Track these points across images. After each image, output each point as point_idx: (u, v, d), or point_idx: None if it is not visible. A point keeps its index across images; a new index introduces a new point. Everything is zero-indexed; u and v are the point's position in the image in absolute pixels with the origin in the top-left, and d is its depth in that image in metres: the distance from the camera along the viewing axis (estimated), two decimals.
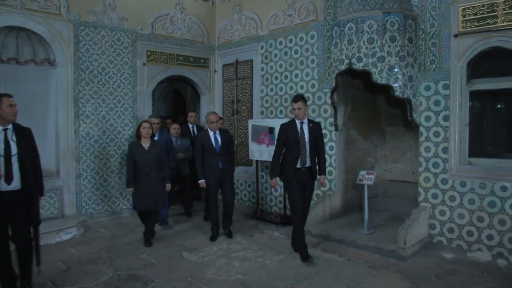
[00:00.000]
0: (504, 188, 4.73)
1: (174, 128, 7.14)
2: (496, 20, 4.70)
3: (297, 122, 5.06)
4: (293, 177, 5.00)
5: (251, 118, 7.73)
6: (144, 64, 7.43)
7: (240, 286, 4.21)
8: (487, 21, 4.78)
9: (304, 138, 5.00)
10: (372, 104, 6.99)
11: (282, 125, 5.23)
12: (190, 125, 7.78)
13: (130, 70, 7.24)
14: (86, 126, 6.72)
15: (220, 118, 6.66)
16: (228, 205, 5.98)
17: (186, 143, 7.17)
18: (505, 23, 4.63)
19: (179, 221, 6.95)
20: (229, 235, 5.96)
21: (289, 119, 6.57)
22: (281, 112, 7.21)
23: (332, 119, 6.32)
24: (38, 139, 6.35)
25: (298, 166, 5.01)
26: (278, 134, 5.20)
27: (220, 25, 8.47)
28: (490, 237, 4.85)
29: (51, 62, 6.42)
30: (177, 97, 10.91)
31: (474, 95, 5.17)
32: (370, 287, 4.15)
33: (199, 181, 5.82)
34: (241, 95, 8.10)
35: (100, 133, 6.89)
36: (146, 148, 5.51)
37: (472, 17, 4.89)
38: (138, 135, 5.59)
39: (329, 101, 6.25)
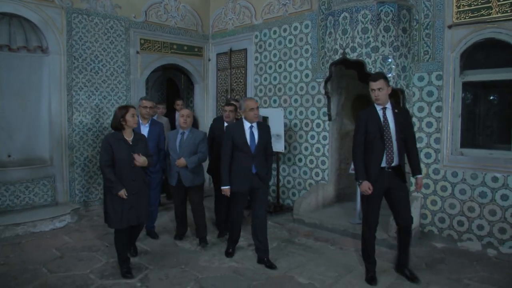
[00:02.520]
0: (495, 179, 4.79)
1: (183, 116, 4.98)
2: (491, 12, 4.72)
3: (378, 108, 3.94)
4: (376, 181, 3.90)
5: None
6: (137, 52, 7.38)
7: (233, 273, 4.26)
8: (481, 12, 4.79)
9: (389, 129, 3.87)
10: (365, 94, 7.00)
11: (361, 113, 4.07)
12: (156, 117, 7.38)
13: (123, 58, 7.19)
14: (80, 114, 6.69)
15: (234, 104, 5.72)
16: (260, 220, 4.53)
17: (197, 139, 5.04)
18: (499, 15, 4.65)
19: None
20: (273, 267, 4.40)
21: (282, 109, 6.62)
22: (275, 101, 7.21)
23: (325, 109, 6.34)
24: (32, 127, 6.40)
25: (383, 165, 3.91)
26: (357, 124, 4.04)
27: (214, 14, 8.42)
28: (480, 227, 4.92)
29: (43, 50, 6.36)
30: (171, 86, 10.85)
31: (467, 86, 5.21)
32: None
33: (223, 187, 4.47)
34: (235, 84, 8.09)
35: (94, 121, 6.86)
36: (130, 142, 4.10)
37: (467, 8, 4.91)
38: (118, 125, 4.06)
39: (322, 91, 6.27)
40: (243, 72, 7.87)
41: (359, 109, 6.85)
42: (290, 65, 6.94)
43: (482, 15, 4.78)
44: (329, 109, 6.26)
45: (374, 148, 3.89)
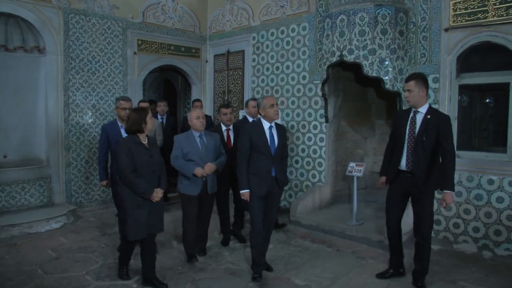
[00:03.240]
0: (490, 181, 4.81)
1: (199, 117, 4.51)
2: (487, 15, 4.75)
3: (412, 111, 3.88)
4: (394, 181, 4.03)
5: (242, 109, 7.74)
6: (135, 53, 7.37)
7: (229, 275, 4.26)
8: (478, 16, 4.82)
9: (414, 132, 3.80)
10: (362, 96, 7.03)
11: (397, 112, 4.43)
12: (160, 116, 7.25)
13: (120, 59, 7.19)
14: (76, 115, 6.68)
15: (229, 107, 5.33)
16: (268, 223, 4.30)
17: (217, 141, 4.72)
18: (495, 18, 4.68)
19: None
20: (267, 267, 4.36)
21: (279, 111, 6.63)
22: None
23: (322, 111, 6.35)
24: (28, 127, 6.38)
25: (403, 168, 3.90)
26: (392, 125, 4.26)
27: (212, 15, 8.43)
28: (476, 229, 4.94)
29: (40, 50, 6.35)
30: (168, 87, 10.86)
31: (463, 89, 5.23)
32: (357, 277, 4.22)
33: (242, 191, 4.10)
34: (232, 85, 8.09)
35: (90, 122, 6.85)
36: (147, 146, 3.86)
37: (463, 11, 4.93)
38: (139, 128, 3.78)
39: (320, 93, 6.28)
40: (240, 73, 7.88)
41: (357, 111, 6.92)
42: (288, 67, 6.95)
43: (479, 18, 4.81)
44: (326, 111, 6.28)
45: (397, 149, 3.98)
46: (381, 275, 4.21)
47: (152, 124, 3.92)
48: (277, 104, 4.20)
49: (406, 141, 3.84)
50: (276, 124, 4.24)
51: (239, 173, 4.11)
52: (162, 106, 7.29)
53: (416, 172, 3.77)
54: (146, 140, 3.87)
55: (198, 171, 4.39)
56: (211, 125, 5.15)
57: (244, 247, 5.05)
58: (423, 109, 3.79)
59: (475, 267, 4.50)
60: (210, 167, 4.46)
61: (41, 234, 5.54)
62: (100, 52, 6.91)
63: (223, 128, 5.23)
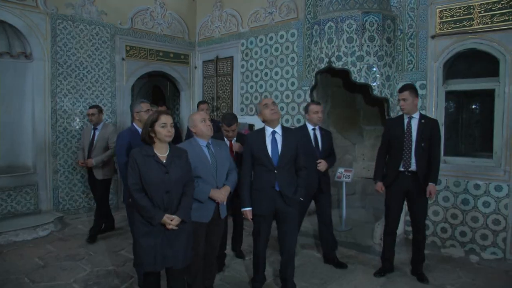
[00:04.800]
0: (477, 186, 4.88)
1: (204, 120, 3.49)
2: (472, 23, 4.83)
3: (405, 117, 4.25)
4: (392, 184, 4.27)
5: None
6: (123, 59, 7.35)
7: (220, 281, 4.23)
8: (463, 23, 4.90)
9: (411, 136, 4.15)
10: (350, 102, 7.08)
11: (387, 120, 4.71)
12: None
13: (108, 65, 7.15)
14: (64, 121, 6.62)
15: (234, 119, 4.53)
16: (287, 253, 3.78)
17: (227, 152, 3.73)
18: (480, 26, 4.76)
19: None
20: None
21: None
22: None
23: None
24: (15, 134, 6.30)
25: (401, 168, 4.19)
26: (384, 129, 4.48)
27: (201, 21, 8.44)
28: (463, 234, 4.99)
29: (27, 56, 6.29)
30: (156, 93, 10.81)
31: (450, 95, 5.31)
32: (347, 282, 4.23)
33: (243, 209, 3.73)
34: (221, 91, 8.10)
35: (78, 129, 6.79)
36: (164, 161, 3.06)
37: (449, 19, 5.01)
38: (146, 137, 3.05)
39: (308, 99, 6.32)
40: (229, 79, 7.89)
41: (345, 118, 6.96)
42: (276, 73, 6.98)
43: (464, 26, 4.89)
44: None
45: (394, 152, 4.27)
46: (378, 273, 4.42)
47: (170, 136, 3.05)
48: (274, 103, 3.72)
49: (404, 144, 4.16)
50: (284, 128, 3.75)
51: (241, 189, 3.71)
52: (205, 110, 6.18)
53: (419, 171, 4.13)
54: (167, 152, 3.09)
55: (218, 194, 3.43)
56: (218, 130, 4.46)
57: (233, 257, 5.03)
58: (416, 115, 4.21)
59: (462, 271, 4.55)
60: (226, 191, 3.53)
61: (27, 242, 5.45)
62: (88, 58, 6.86)
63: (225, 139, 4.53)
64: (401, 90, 4.21)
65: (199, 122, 3.43)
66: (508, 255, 4.70)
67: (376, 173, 4.42)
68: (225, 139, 4.47)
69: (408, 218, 5.35)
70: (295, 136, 3.75)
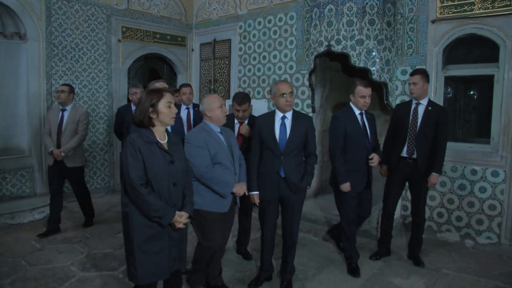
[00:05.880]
0: (474, 172, 4.90)
1: (222, 105, 3.40)
2: (473, 7, 4.78)
3: (413, 102, 4.20)
4: (395, 168, 4.30)
5: (228, 98, 7.68)
6: (119, 40, 7.24)
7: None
8: (464, 8, 4.85)
9: (416, 123, 4.12)
10: (349, 86, 7.01)
11: (396, 105, 4.62)
12: (184, 106, 5.51)
13: (104, 46, 7.05)
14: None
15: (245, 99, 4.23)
16: (289, 242, 3.77)
17: (234, 139, 3.62)
18: (481, 11, 4.72)
19: None
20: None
21: (266, 100, 6.61)
22: (258, 93, 7.19)
23: (309, 101, 6.36)
24: (9, 116, 6.22)
25: (404, 154, 4.19)
26: (392, 117, 4.50)
27: (198, 3, 8.31)
28: (459, 219, 5.03)
29: (21, 36, 6.18)
30: (153, 76, 10.71)
31: (448, 81, 5.28)
32: (343, 265, 4.26)
33: (251, 193, 3.59)
34: (218, 75, 8.03)
35: None
36: (167, 148, 2.67)
37: (450, 3, 4.96)
38: (144, 119, 2.60)
39: (307, 83, 6.28)
40: (227, 63, 7.82)
41: (343, 102, 6.92)
42: (275, 57, 6.91)
43: (465, 10, 4.84)
44: (313, 101, 6.28)
45: (399, 138, 4.24)
46: (374, 257, 4.47)
47: (172, 116, 2.67)
48: (291, 93, 3.55)
49: (409, 130, 4.14)
50: (295, 113, 3.61)
51: (248, 173, 3.62)
52: (187, 94, 5.41)
53: (419, 159, 4.11)
54: (166, 138, 2.72)
55: (239, 189, 3.40)
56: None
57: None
58: (424, 101, 4.14)
59: (458, 256, 4.60)
60: (245, 185, 3.52)
61: (23, 225, 5.45)
62: (83, 39, 6.76)
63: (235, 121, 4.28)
64: (413, 73, 4.19)
65: (218, 108, 3.28)
66: (503, 239, 4.75)
67: (384, 158, 4.29)
68: (235, 120, 4.22)
69: (404, 202, 5.40)
70: (306, 122, 3.63)
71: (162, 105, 2.59)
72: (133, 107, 5.20)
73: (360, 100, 3.94)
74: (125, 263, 2.77)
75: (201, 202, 3.22)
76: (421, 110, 4.14)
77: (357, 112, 4.04)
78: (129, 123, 4.20)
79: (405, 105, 4.34)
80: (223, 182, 3.22)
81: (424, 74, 4.13)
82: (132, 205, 2.57)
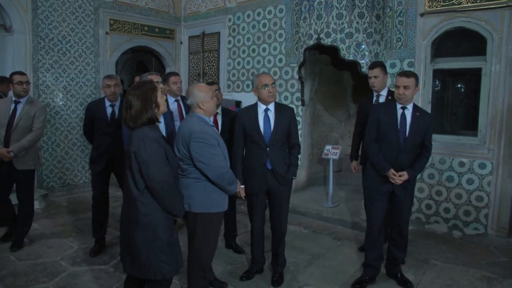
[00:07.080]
0: (461, 164, 4.96)
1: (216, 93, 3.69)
2: (461, 1, 4.82)
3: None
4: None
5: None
6: (107, 33, 7.15)
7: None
8: (452, 1, 4.88)
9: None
10: (338, 80, 7.07)
11: (375, 106, 4.02)
12: (172, 100, 4.75)
13: (92, 39, 6.97)
14: (46, 97, 6.46)
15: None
16: (277, 234, 3.75)
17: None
18: (469, 4, 4.76)
19: None
20: (278, 282, 3.71)
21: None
22: (247, 86, 7.17)
23: (299, 94, 6.36)
24: None
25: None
26: (357, 110, 4.27)
27: None
28: (447, 210, 5.10)
29: (7, 29, 6.07)
30: (141, 69, 10.63)
31: (436, 74, 5.33)
32: (334, 257, 4.30)
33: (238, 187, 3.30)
34: (207, 68, 7.99)
35: (61, 104, 6.64)
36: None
37: None
38: (152, 115, 2.45)
39: (296, 76, 6.28)
40: (216, 56, 7.78)
41: (332, 95, 6.96)
42: (264, 50, 6.90)
43: (453, 4, 4.88)
44: (302, 94, 6.29)
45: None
46: (363, 248, 4.14)
47: (165, 106, 2.57)
48: (274, 84, 3.52)
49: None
50: (277, 105, 3.59)
51: (233, 166, 3.44)
52: (178, 83, 4.69)
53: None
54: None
55: (241, 189, 3.50)
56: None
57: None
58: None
59: (446, 246, 4.67)
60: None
61: None
62: (70, 32, 6.67)
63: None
64: (372, 67, 4.12)
65: (211, 99, 3.03)
66: (489, 230, 4.82)
67: (353, 153, 4.46)
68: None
69: None
70: (288, 114, 3.60)
71: (159, 97, 2.48)
72: (107, 103, 4.36)
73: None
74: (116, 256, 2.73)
75: (210, 204, 2.98)
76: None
77: (399, 105, 3.50)
78: (104, 122, 4.25)
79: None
80: (233, 179, 3.06)
81: (383, 66, 4.13)
82: (154, 210, 2.44)
